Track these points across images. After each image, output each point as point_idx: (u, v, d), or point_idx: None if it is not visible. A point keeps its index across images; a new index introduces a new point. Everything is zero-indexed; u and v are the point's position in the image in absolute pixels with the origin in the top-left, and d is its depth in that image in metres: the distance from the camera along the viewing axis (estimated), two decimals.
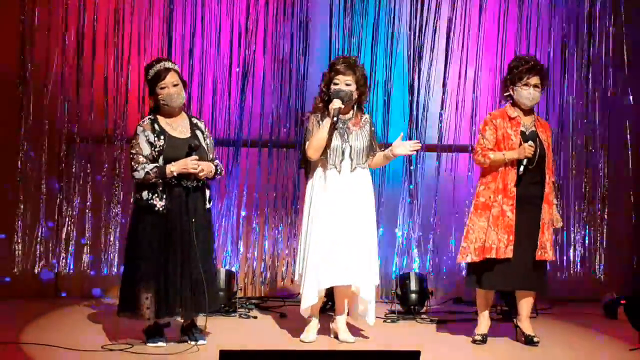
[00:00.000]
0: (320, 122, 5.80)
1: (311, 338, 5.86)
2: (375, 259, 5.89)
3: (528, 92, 5.85)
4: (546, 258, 5.85)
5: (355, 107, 5.89)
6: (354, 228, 5.78)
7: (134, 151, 5.50)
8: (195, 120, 5.72)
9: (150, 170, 5.43)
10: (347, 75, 5.79)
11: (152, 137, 5.50)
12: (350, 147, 5.82)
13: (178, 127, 5.61)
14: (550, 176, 5.91)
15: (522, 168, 5.76)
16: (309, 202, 5.87)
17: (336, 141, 5.80)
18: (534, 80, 5.84)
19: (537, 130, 5.88)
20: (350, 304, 5.95)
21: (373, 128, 5.95)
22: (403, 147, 5.81)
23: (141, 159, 5.47)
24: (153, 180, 5.44)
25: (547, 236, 5.85)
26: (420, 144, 5.87)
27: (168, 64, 5.62)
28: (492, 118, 5.96)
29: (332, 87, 5.80)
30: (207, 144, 5.67)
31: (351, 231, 5.77)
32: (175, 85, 5.56)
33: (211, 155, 5.69)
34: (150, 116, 5.63)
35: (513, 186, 5.78)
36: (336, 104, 5.73)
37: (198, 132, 5.65)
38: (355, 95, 5.84)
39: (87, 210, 7.04)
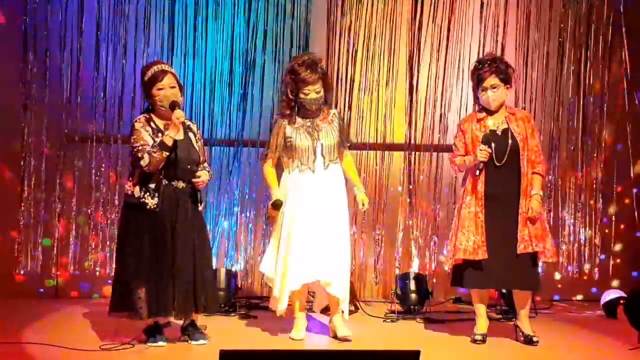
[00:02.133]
0: (287, 127, 5.80)
1: (301, 335, 5.88)
2: (346, 255, 5.85)
3: (486, 97, 5.84)
4: (529, 251, 5.76)
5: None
6: (327, 226, 5.77)
7: (137, 144, 5.45)
8: (187, 123, 5.71)
9: (152, 151, 5.38)
10: (315, 83, 5.76)
11: (150, 132, 5.49)
12: (322, 145, 5.82)
13: None
14: (532, 168, 5.81)
15: (477, 172, 5.75)
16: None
17: (307, 141, 5.80)
18: (490, 82, 5.81)
19: (510, 125, 5.86)
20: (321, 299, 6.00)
21: (341, 122, 5.97)
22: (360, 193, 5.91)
23: (148, 148, 5.42)
24: (158, 158, 5.35)
25: (532, 230, 5.79)
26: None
27: (165, 67, 5.60)
28: (461, 124, 6.02)
29: (302, 96, 5.76)
30: (198, 146, 5.66)
31: (325, 229, 5.76)
32: (172, 88, 5.55)
33: (202, 157, 5.70)
34: (145, 114, 5.61)
35: (481, 187, 5.79)
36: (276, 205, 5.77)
37: (190, 134, 5.66)
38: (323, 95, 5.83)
39: (89, 211, 7.05)
